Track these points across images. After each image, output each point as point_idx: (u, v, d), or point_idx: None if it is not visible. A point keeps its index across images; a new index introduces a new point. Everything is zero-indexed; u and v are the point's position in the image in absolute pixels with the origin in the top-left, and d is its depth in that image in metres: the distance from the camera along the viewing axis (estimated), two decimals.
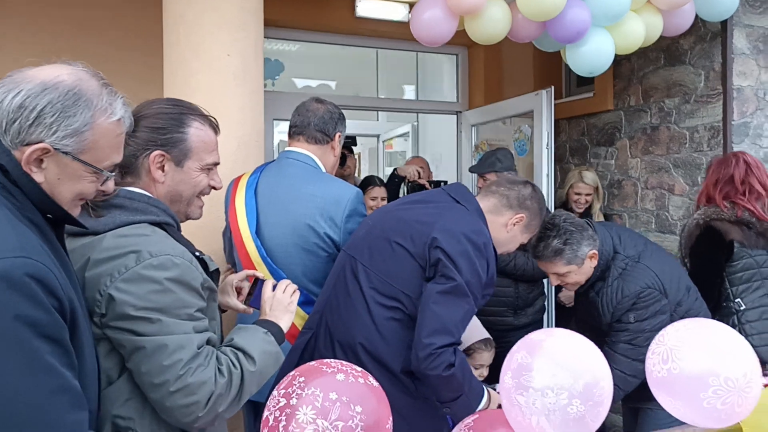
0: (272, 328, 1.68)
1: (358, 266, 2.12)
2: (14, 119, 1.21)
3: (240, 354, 1.52)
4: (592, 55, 3.25)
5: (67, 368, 1.17)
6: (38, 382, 1.12)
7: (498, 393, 1.76)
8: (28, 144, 1.22)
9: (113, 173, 1.35)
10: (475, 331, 2.64)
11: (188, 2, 2.76)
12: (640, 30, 3.29)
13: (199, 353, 1.41)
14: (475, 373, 2.48)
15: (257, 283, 1.98)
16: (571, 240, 2.48)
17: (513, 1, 3.13)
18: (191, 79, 2.76)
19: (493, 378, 2.27)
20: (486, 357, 2.65)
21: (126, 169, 1.56)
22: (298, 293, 1.87)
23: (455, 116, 5.39)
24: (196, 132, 1.60)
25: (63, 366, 1.16)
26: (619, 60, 3.41)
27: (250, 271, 2.01)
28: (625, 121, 4.54)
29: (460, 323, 1.98)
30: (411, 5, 4.49)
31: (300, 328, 2.23)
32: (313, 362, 1.44)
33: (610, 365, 1.67)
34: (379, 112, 7.24)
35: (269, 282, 1.86)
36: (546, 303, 3.75)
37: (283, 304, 1.79)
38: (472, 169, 3.99)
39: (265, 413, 1.34)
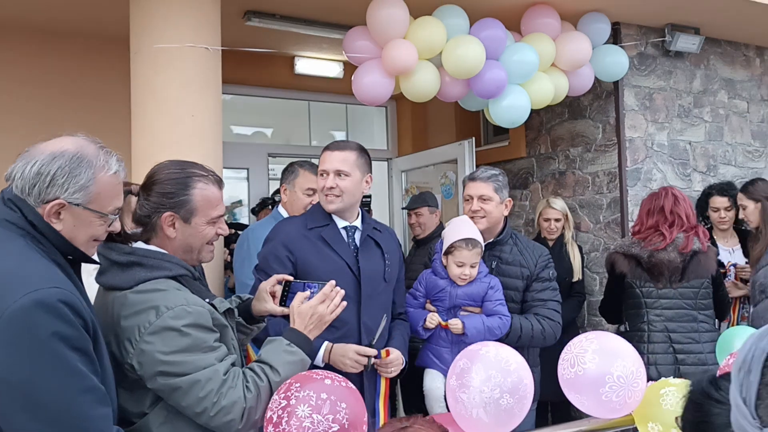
0: (296, 337, 1.90)
1: None
2: (34, 184, 1.55)
3: (266, 367, 1.82)
4: (511, 109, 3.78)
5: (92, 373, 1.50)
6: (71, 383, 1.45)
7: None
8: (48, 201, 1.56)
9: (116, 215, 1.69)
10: (459, 230, 2.83)
11: (155, 67, 3.06)
12: (549, 88, 3.86)
13: (225, 379, 1.72)
14: (457, 271, 2.78)
15: (289, 285, 2.12)
16: (502, 177, 3.03)
17: (441, 65, 3.62)
18: (158, 138, 3.04)
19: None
20: (466, 255, 2.78)
21: (144, 227, 1.86)
22: (340, 309, 2.02)
23: (386, 162, 5.86)
24: (200, 192, 1.87)
25: (89, 371, 1.49)
26: (530, 113, 3.91)
27: (280, 276, 2.17)
28: (536, 166, 5.10)
29: None
30: (345, 63, 4.97)
31: None
32: (304, 372, 1.80)
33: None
34: (312, 159, 7.60)
35: (300, 294, 2.01)
36: None
37: (323, 320, 1.98)
38: (405, 207, 4.47)
39: (269, 413, 1.69)
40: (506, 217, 3.07)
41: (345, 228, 2.63)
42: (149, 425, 1.74)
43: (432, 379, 2.82)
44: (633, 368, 2.06)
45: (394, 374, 2.56)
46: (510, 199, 3.06)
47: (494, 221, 2.98)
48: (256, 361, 1.87)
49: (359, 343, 2.47)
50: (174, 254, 1.87)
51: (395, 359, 2.54)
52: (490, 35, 3.61)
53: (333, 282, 2.04)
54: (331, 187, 2.55)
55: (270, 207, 4.56)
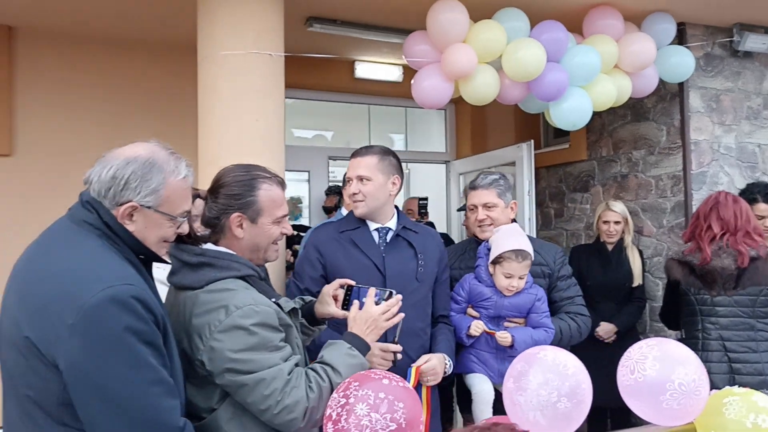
0: (356, 342, 1.98)
1: None
2: (109, 187, 1.64)
3: (328, 368, 1.88)
4: (572, 111, 3.74)
5: (162, 366, 1.58)
6: (142, 375, 1.53)
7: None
8: (121, 204, 1.65)
9: (185, 218, 1.77)
10: (509, 240, 2.79)
11: (221, 74, 3.16)
12: (612, 90, 3.80)
13: (290, 378, 1.79)
14: (505, 282, 2.75)
15: (351, 290, 2.20)
16: (504, 181, 3.02)
17: (500, 68, 3.62)
18: (224, 143, 3.15)
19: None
20: (516, 267, 2.75)
21: (213, 228, 1.95)
22: (397, 318, 2.10)
23: (444, 165, 5.87)
24: (265, 193, 1.96)
25: (159, 364, 1.57)
26: (591, 115, 3.87)
27: (342, 280, 2.24)
28: (598, 169, 5.03)
29: None
30: (404, 67, 5.01)
31: None
32: (362, 371, 1.85)
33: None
34: None
35: (356, 303, 2.09)
36: None
37: (380, 327, 2.05)
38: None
39: (328, 411, 1.73)
40: (514, 220, 3.05)
41: (377, 230, 2.70)
42: (218, 420, 1.81)
43: (480, 382, 2.80)
44: (695, 376, 2.02)
45: (433, 382, 2.56)
46: (515, 201, 3.05)
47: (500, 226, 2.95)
48: (318, 362, 1.93)
49: (385, 340, 2.45)
50: (241, 254, 1.95)
51: (429, 369, 2.53)
52: (550, 37, 3.59)
53: (398, 297, 2.12)
54: (354, 193, 2.65)
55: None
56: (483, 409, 2.75)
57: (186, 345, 1.82)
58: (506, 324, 2.82)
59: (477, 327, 2.78)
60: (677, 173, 4.36)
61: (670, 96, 4.41)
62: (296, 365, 1.85)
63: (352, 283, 2.22)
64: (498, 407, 2.75)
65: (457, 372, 2.89)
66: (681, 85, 4.31)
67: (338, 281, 2.24)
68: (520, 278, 2.77)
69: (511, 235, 2.82)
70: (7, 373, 1.62)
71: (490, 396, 2.76)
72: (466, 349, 2.87)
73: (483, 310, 2.85)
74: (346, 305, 2.18)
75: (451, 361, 2.65)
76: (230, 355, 1.75)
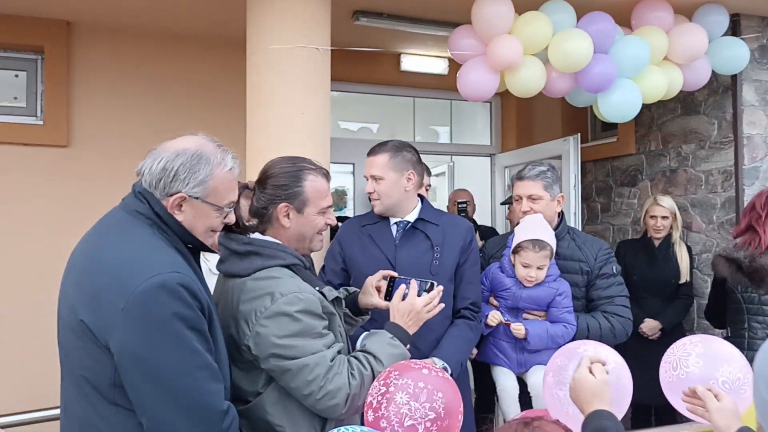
0: (398, 332, 2.03)
1: None
2: (160, 178, 1.71)
3: (370, 357, 1.93)
4: (621, 104, 3.67)
5: (207, 352, 1.64)
6: (188, 359, 1.59)
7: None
8: (171, 194, 1.71)
9: (231, 209, 1.82)
10: (528, 230, 2.80)
11: (269, 68, 3.22)
12: (662, 82, 3.72)
13: (332, 365, 1.84)
14: (523, 272, 2.75)
15: (394, 282, 2.25)
16: (552, 173, 2.96)
17: (547, 60, 3.60)
18: (271, 135, 3.20)
19: None
20: (532, 257, 2.74)
21: (260, 219, 2.01)
22: (438, 309, 2.12)
23: (489, 158, 5.85)
24: (311, 184, 2.02)
25: (204, 350, 1.63)
26: (640, 109, 3.80)
27: (386, 272, 2.30)
28: (646, 164, 4.95)
29: None
30: (450, 60, 5.01)
31: None
32: (402, 361, 1.88)
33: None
34: None
35: (400, 291, 2.12)
36: None
37: (421, 317, 2.07)
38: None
39: (369, 398, 1.78)
40: (561, 213, 3.00)
41: (396, 224, 2.74)
42: (263, 404, 1.87)
43: (505, 378, 2.80)
44: (740, 374, 2.00)
45: None
46: (562, 194, 2.98)
47: (547, 220, 2.90)
48: (360, 351, 1.97)
49: None
50: (288, 244, 2.00)
51: None
52: (598, 28, 3.54)
53: (439, 289, 2.14)
54: (370, 192, 2.72)
55: None
56: (510, 405, 2.76)
57: (233, 330, 1.88)
58: (525, 316, 2.82)
59: (494, 317, 2.79)
60: (728, 168, 4.27)
61: (723, 89, 4.31)
62: (339, 353, 1.90)
63: (395, 274, 2.27)
64: (522, 399, 2.78)
65: (478, 359, 2.91)
66: (734, 77, 4.20)
67: (381, 273, 2.29)
68: (539, 269, 2.76)
69: (532, 225, 2.82)
70: (65, 355, 1.71)
71: (515, 391, 2.76)
72: (487, 339, 2.88)
73: (502, 300, 2.87)
74: (388, 296, 2.22)
75: (447, 366, 2.55)
76: (275, 340, 1.81)
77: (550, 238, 2.78)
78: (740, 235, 3.25)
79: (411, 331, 2.06)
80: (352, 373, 1.87)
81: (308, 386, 1.81)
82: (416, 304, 2.07)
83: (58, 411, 1.82)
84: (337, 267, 2.77)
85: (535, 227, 2.80)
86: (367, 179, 2.75)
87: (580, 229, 4.54)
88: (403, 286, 2.13)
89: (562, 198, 2.98)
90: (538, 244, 2.74)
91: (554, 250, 2.80)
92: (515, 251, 2.81)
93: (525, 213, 2.92)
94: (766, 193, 3.24)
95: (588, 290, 2.91)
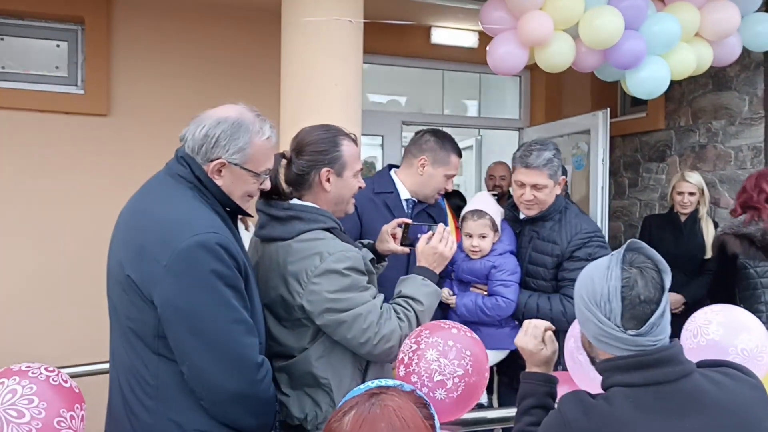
0: (427, 273, 2.16)
1: None
2: (202, 144, 1.81)
3: (410, 300, 2.07)
4: (649, 80, 3.68)
5: (243, 308, 1.76)
6: (226, 314, 1.71)
7: None
8: (212, 160, 1.81)
9: (267, 176, 1.92)
10: (472, 203, 2.96)
11: (303, 39, 3.30)
12: (691, 59, 3.72)
13: (382, 312, 1.98)
14: (467, 242, 2.87)
15: (408, 228, 2.40)
16: (558, 159, 2.84)
17: (577, 36, 3.62)
18: (304, 105, 3.29)
19: None
20: (472, 226, 2.85)
21: (298, 186, 2.10)
22: (455, 245, 2.25)
23: (517, 132, 5.88)
24: (347, 148, 2.11)
25: (240, 306, 1.75)
26: (670, 84, 3.80)
27: (400, 219, 2.45)
28: (675, 139, 4.95)
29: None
30: (480, 33, 5.03)
31: None
32: (433, 321, 1.99)
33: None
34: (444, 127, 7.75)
35: (425, 237, 2.24)
36: None
37: (444, 256, 2.20)
38: None
39: (400, 355, 1.88)
40: (567, 194, 3.06)
41: (406, 200, 2.93)
42: (309, 358, 2.00)
43: None
44: (759, 342, 2.06)
45: None
46: (564, 177, 2.91)
47: (546, 206, 2.87)
48: (399, 296, 2.10)
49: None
50: (326, 207, 2.10)
51: None
52: (629, 4, 3.53)
53: (442, 225, 2.27)
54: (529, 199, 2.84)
55: None
56: None
57: (284, 290, 1.98)
58: (471, 289, 2.91)
59: (444, 294, 2.84)
60: (758, 144, 4.27)
61: (755, 65, 4.29)
62: (384, 301, 2.03)
63: (409, 221, 2.42)
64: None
65: None
66: (766, 53, 4.18)
67: (396, 221, 2.43)
68: (482, 238, 2.84)
69: (476, 199, 2.97)
70: (113, 307, 1.84)
71: None
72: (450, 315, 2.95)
73: (454, 273, 2.97)
74: (404, 242, 2.38)
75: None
76: (328, 296, 1.92)
77: (491, 208, 2.87)
78: (740, 214, 3.29)
79: (437, 271, 2.20)
80: (399, 317, 2.01)
81: (364, 334, 1.94)
82: (438, 246, 2.19)
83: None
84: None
85: (478, 200, 2.95)
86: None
87: (607, 205, 4.59)
88: (427, 233, 2.25)
89: (563, 181, 2.92)
90: (476, 213, 2.86)
91: (497, 222, 2.87)
92: (460, 225, 2.94)
93: (528, 203, 2.84)
94: (755, 174, 3.31)
95: (558, 271, 2.85)
